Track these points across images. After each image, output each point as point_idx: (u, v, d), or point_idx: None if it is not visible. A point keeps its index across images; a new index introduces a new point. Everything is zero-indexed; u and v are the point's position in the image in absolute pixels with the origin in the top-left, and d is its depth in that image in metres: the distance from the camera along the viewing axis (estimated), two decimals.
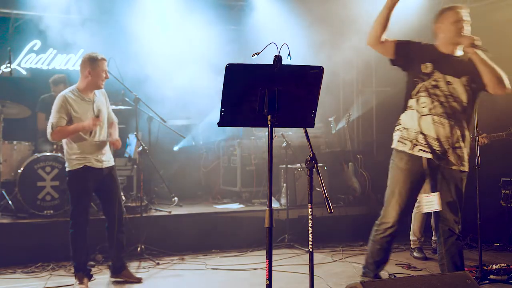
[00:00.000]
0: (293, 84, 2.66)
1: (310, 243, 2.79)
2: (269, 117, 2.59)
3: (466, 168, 3.62)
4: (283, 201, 6.49)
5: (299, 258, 5.44)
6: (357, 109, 8.34)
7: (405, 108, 3.69)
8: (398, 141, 3.68)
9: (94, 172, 4.45)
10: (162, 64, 6.84)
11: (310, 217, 2.77)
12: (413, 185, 3.64)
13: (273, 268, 2.57)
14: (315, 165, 2.74)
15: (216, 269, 5.06)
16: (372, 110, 8.24)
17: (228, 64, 2.54)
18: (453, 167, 3.57)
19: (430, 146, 3.55)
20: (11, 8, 6.93)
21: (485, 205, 4.46)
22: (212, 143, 7.88)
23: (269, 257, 2.51)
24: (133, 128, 5.64)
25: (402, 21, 5.61)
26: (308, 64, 2.67)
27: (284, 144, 6.13)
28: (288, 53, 2.63)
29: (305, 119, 2.75)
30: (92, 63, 4.43)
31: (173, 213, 6.09)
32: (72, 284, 4.41)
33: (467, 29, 3.59)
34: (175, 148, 7.82)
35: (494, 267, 4.54)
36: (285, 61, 2.58)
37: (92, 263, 4.97)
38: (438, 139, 3.54)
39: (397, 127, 3.74)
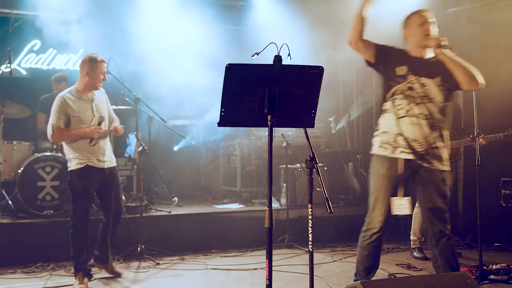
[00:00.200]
0: (293, 84, 2.66)
1: (310, 243, 2.79)
2: (269, 117, 2.59)
3: (446, 167, 3.63)
4: (283, 201, 6.49)
5: (299, 258, 5.44)
6: (357, 109, 8.33)
7: (381, 111, 3.73)
8: (379, 146, 3.71)
9: (96, 172, 4.48)
10: (162, 64, 6.84)
11: (310, 217, 2.77)
12: (395, 190, 3.66)
13: (273, 268, 2.57)
14: (315, 165, 2.75)
15: (216, 269, 5.06)
16: (372, 110, 8.24)
17: (228, 64, 2.54)
18: (434, 167, 3.59)
19: (411, 147, 3.57)
20: (11, 8, 6.93)
21: (485, 205, 4.46)
22: (212, 143, 7.88)
23: (269, 257, 2.51)
24: (133, 128, 5.64)
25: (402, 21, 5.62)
26: (308, 64, 2.67)
27: (284, 144, 6.13)
28: (288, 53, 2.63)
29: (305, 119, 2.75)
30: (91, 64, 4.46)
31: (173, 213, 6.09)
32: (72, 284, 4.41)
33: (433, 31, 3.64)
34: (175, 148, 7.82)
35: (494, 267, 4.54)
36: (285, 61, 2.59)
37: (92, 262, 4.97)
38: (416, 140, 3.57)
39: (375, 132, 3.77)
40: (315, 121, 2.78)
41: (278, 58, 2.55)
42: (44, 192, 5.53)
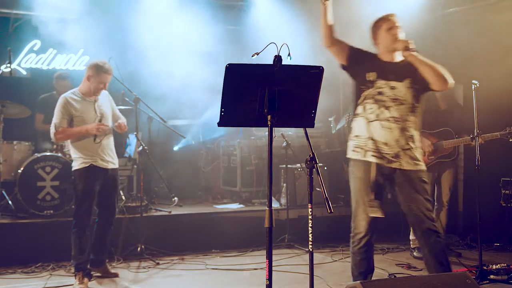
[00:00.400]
0: (293, 84, 2.66)
1: (310, 243, 2.79)
2: (269, 117, 2.59)
3: (421, 166, 3.65)
4: (283, 201, 6.49)
5: (299, 258, 5.44)
6: None
7: (354, 115, 3.77)
8: (353, 150, 3.75)
9: (100, 171, 4.53)
10: (162, 63, 6.84)
11: (310, 217, 2.77)
12: (376, 192, 3.66)
13: (273, 268, 2.57)
14: (315, 165, 2.75)
15: (216, 269, 5.06)
16: None
17: (228, 64, 2.54)
18: (407, 168, 3.60)
19: (379, 151, 3.60)
20: (11, 8, 6.93)
21: (485, 205, 4.46)
22: (212, 142, 7.88)
23: (269, 257, 2.51)
24: (133, 128, 5.64)
25: (402, 21, 5.61)
26: (308, 64, 2.67)
27: (284, 144, 6.13)
28: (288, 53, 2.63)
29: (305, 119, 2.75)
30: (95, 71, 4.51)
31: (173, 213, 6.09)
32: (72, 284, 4.41)
33: (401, 35, 3.68)
34: (175, 148, 7.82)
35: (494, 267, 4.54)
36: (285, 61, 2.59)
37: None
38: (387, 144, 3.59)
39: (350, 136, 3.82)
40: (315, 121, 2.78)
41: (278, 58, 2.55)
42: (44, 192, 5.53)
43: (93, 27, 6.54)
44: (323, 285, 4.50)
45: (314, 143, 7.20)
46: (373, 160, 3.61)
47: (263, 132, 7.33)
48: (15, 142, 5.87)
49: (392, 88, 3.61)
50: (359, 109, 3.72)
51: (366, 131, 3.66)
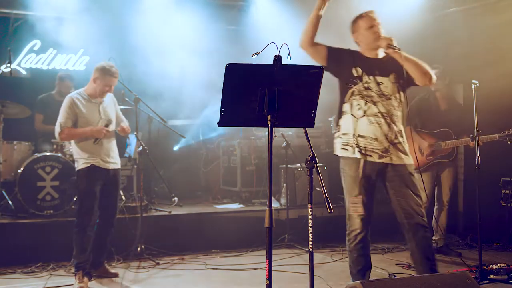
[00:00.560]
0: (293, 84, 2.66)
1: (310, 243, 2.79)
2: (269, 117, 2.59)
3: (410, 160, 3.67)
4: (283, 201, 6.49)
5: (299, 258, 5.44)
6: None
7: (340, 113, 3.76)
8: (341, 148, 3.73)
9: (101, 172, 4.55)
10: (162, 63, 6.83)
11: (310, 217, 2.77)
12: (367, 189, 3.67)
13: (273, 268, 2.57)
14: (315, 165, 2.75)
15: (216, 269, 5.06)
16: None
17: (228, 64, 2.54)
18: (398, 162, 3.62)
19: (369, 148, 3.60)
20: (11, 8, 6.93)
21: (485, 205, 4.46)
22: (212, 142, 7.88)
23: (269, 257, 2.51)
24: (133, 128, 5.63)
25: (402, 21, 5.62)
26: (308, 64, 2.67)
27: (284, 144, 6.13)
28: (288, 53, 2.64)
29: (305, 119, 2.75)
30: (101, 73, 4.56)
31: (173, 213, 6.10)
32: (72, 284, 4.41)
33: (382, 31, 3.68)
34: (175, 148, 7.82)
35: (494, 267, 4.54)
36: (285, 61, 2.59)
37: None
38: (376, 139, 3.60)
39: (336, 134, 3.79)
40: (315, 121, 2.78)
41: (278, 58, 2.55)
42: (44, 192, 5.53)
43: (93, 27, 6.54)
44: (323, 285, 4.50)
45: (314, 143, 7.20)
46: (363, 157, 3.61)
47: (263, 132, 7.32)
48: (15, 142, 5.87)
49: (379, 83, 3.63)
50: (346, 107, 3.71)
51: (353, 128, 3.65)
